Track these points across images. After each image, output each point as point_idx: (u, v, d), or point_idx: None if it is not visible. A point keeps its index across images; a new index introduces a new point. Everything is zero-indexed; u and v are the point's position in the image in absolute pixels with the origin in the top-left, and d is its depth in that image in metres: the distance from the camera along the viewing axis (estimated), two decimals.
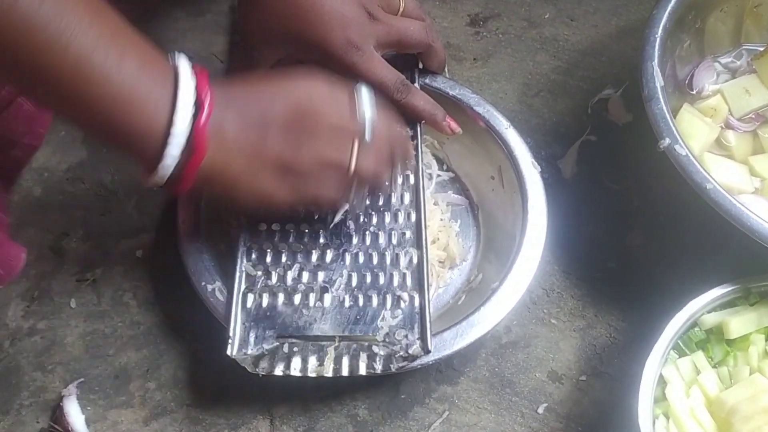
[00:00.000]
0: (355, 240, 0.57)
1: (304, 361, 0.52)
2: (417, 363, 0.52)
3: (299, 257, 0.57)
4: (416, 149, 0.60)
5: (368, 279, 0.55)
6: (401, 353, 0.52)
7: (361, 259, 0.56)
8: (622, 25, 0.79)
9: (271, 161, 0.50)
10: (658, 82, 0.59)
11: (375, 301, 0.54)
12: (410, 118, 0.60)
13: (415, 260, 0.56)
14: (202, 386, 0.59)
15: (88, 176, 0.68)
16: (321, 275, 0.56)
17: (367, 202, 0.57)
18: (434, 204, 0.64)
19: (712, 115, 0.67)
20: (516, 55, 0.77)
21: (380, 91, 0.58)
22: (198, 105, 0.47)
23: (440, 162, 0.68)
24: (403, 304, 0.54)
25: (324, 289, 0.55)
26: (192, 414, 0.58)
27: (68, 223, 0.66)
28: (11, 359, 0.60)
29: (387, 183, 0.56)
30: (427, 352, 0.52)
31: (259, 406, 0.58)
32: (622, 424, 0.55)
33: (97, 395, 0.58)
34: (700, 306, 0.54)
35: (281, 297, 0.55)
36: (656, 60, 0.60)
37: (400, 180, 0.59)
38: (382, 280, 0.55)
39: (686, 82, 0.69)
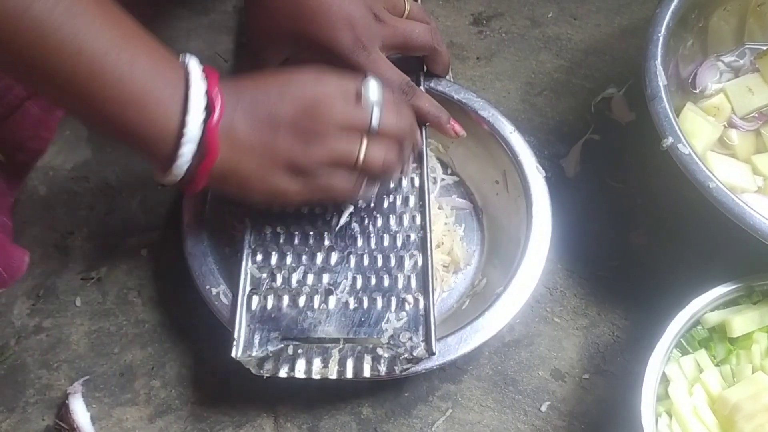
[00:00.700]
0: (359, 242, 0.57)
1: (309, 363, 0.52)
2: (421, 367, 0.52)
3: (304, 259, 0.57)
4: (421, 152, 0.60)
5: (373, 281, 0.56)
6: (405, 356, 0.52)
7: (366, 261, 0.57)
8: (625, 24, 0.79)
9: (281, 159, 0.50)
10: (661, 81, 0.59)
11: (379, 303, 0.54)
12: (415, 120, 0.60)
13: (419, 263, 0.56)
14: (207, 384, 0.59)
15: (93, 175, 0.69)
16: (326, 277, 0.56)
17: (374, 193, 0.57)
18: (438, 208, 0.64)
19: (715, 114, 0.67)
20: (519, 54, 0.77)
21: None
22: (209, 106, 0.48)
23: (445, 166, 0.68)
24: (407, 307, 0.54)
25: (329, 291, 0.55)
26: (197, 412, 0.58)
27: (73, 222, 0.66)
28: (17, 357, 0.60)
29: (398, 172, 0.56)
30: (431, 354, 0.52)
31: (263, 404, 0.58)
32: (625, 422, 0.55)
33: (102, 393, 0.59)
34: (703, 304, 0.54)
35: (286, 299, 0.55)
36: (659, 59, 0.60)
37: (410, 168, 0.60)
38: (386, 282, 0.55)
39: (689, 81, 0.69)
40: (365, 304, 0.54)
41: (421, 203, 0.58)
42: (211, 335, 0.59)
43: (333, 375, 0.52)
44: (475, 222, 0.66)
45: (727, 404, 0.51)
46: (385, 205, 0.58)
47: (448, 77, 0.65)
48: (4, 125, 0.62)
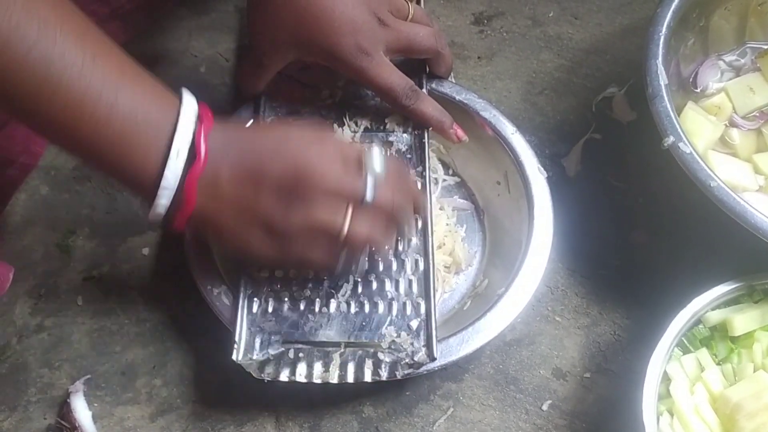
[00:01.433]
0: None
1: (310, 367, 0.52)
2: (423, 368, 0.52)
3: None
4: (423, 156, 0.60)
5: (374, 285, 0.55)
6: (407, 360, 0.52)
7: (367, 265, 0.56)
8: (626, 23, 0.79)
9: (260, 219, 0.49)
10: (663, 80, 0.59)
11: (381, 307, 0.54)
12: (418, 124, 0.60)
13: (421, 267, 0.55)
14: (209, 383, 0.59)
15: (95, 175, 0.68)
16: (326, 281, 0.55)
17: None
18: (440, 209, 0.64)
19: (717, 113, 0.67)
20: (520, 53, 0.77)
21: (389, 96, 0.58)
22: (193, 153, 0.47)
23: (446, 166, 0.68)
24: (408, 311, 0.54)
25: (330, 295, 0.55)
26: (198, 410, 0.58)
27: (75, 222, 0.66)
28: (19, 356, 0.60)
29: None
30: (432, 359, 0.52)
31: (264, 403, 0.58)
32: (626, 421, 0.55)
33: (103, 392, 0.59)
34: (704, 303, 0.54)
35: (287, 302, 0.55)
36: (660, 58, 0.60)
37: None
38: (387, 286, 0.55)
39: (690, 80, 0.69)
40: (366, 308, 0.54)
41: (422, 207, 0.58)
42: (212, 334, 0.59)
43: (334, 379, 0.52)
44: (477, 223, 0.66)
45: (728, 403, 0.51)
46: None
47: (449, 78, 0.65)
48: None
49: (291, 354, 0.53)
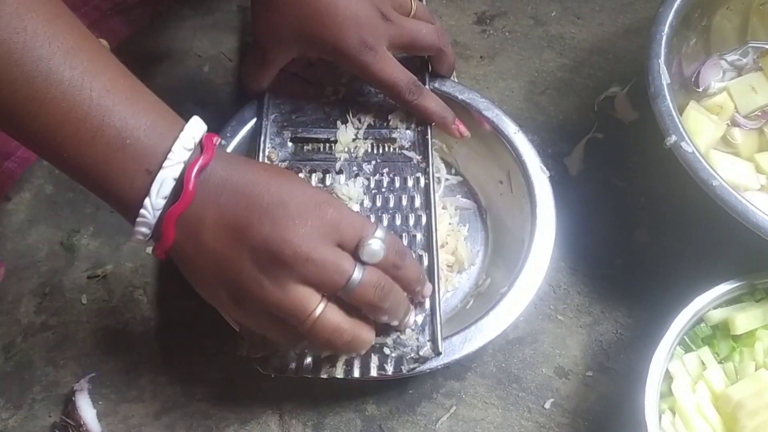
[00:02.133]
0: None
1: (316, 363, 0.52)
2: (426, 367, 0.53)
3: None
4: (426, 153, 0.60)
5: None
6: (412, 355, 0.52)
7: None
8: (629, 23, 0.79)
9: (231, 281, 0.46)
10: (665, 79, 0.59)
11: None
12: (421, 119, 0.61)
13: (425, 263, 0.56)
14: (213, 381, 0.59)
15: None
16: None
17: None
18: (442, 208, 0.64)
19: (719, 113, 0.67)
20: (522, 53, 0.77)
21: (392, 91, 0.58)
22: (180, 191, 0.44)
23: (449, 166, 0.68)
24: (412, 322, 0.54)
25: None
26: (202, 408, 0.58)
27: (79, 220, 0.67)
28: (24, 354, 0.61)
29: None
30: (437, 354, 0.52)
31: (268, 401, 0.58)
32: (628, 420, 0.55)
33: (108, 390, 0.59)
34: (706, 302, 0.54)
35: None
36: (662, 58, 0.60)
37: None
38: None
39: (692, 79, 0.69)
40: None
41: (426, 203, 0.58)
42: (216, 333, 0.59)
43: (340, 374, 0.52)
44: (479, 222, 0.66)
45: (730, 401, 0.52)
46: (392, 204, 0.58)
47: (452, 77, 0.65)
48: None
49: (298, 351, 0.53)
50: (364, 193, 0.59)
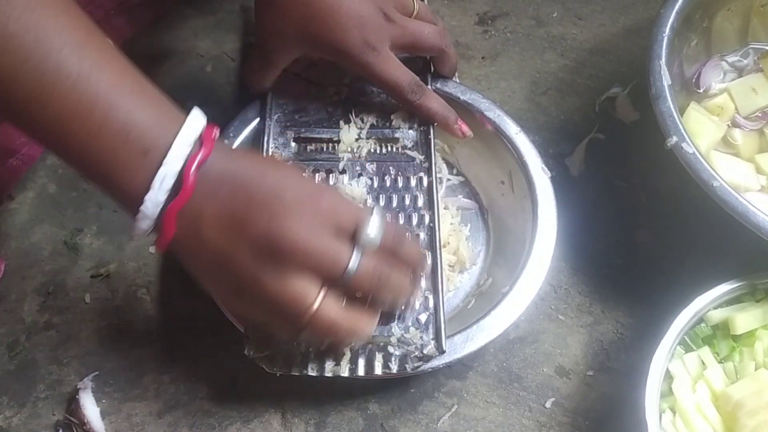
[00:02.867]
0: None
1: (321, 361, 0.52)
2: (428, 366, 0.53)
3: None
4: (429, 153, 0.60)
5: None
6: (416, 354, 0.52)
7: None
8: (630, 24, 0.79)
9: (231, 274, 0.46)
10: (666, 80, 0.59)
11: None
12: (423, 119, 0.61)
13: (429, 262, 0.56)
14: (215, 379, 0.60)
15: None
16: None
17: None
18: (444, 208, 0.65)
19: (719, 114, 0.67)
20: (524, 53, 0.77)
21: (395, 91, 0.59)
22: (180, 185, 0.44)
23: (450, 166, 0.68)
24: (417, 305, 0.54)
25: None
26: (205, 407, 0.59)
27: (82, 220, 0.67)
28: (27, 353, 0.61)
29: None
30: (441, 352, 0.52)
31: (271, 400, 0.59)
32: (629, 419, 0.56)
33: (111, 388, 0.59)
34: (707, 302, 0.55)
35: None
36: (664, 59, 0.60)
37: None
38: None
39: (693, 80, 0.69)
40: None
41: (429, 202, 0.58)
42: (219, 332, 0.59)
43: (345, 373, 0.52)
44: (481, 222, 0.67)
45: (730, 401, 0.52)
46: (395, 203, 0.59)
47: (454, 78, 0.66)
48: None
49: (302, 348, 0.53)
50: (368, 193, 0.59)
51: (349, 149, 0.61)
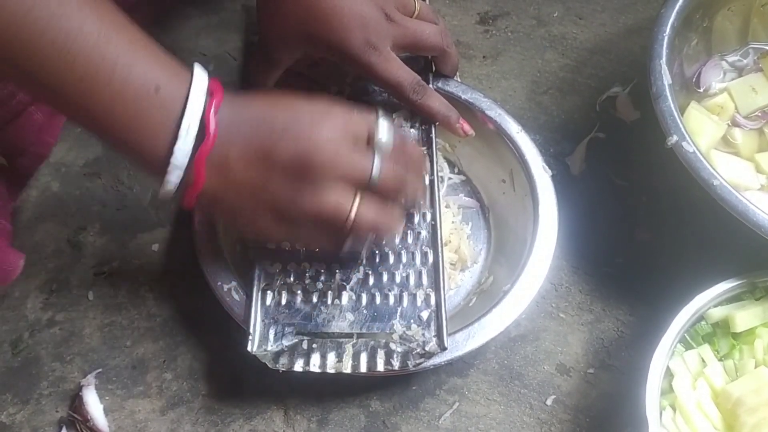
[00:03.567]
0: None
1: (323, 358, 0.53)
2: (430, 363, 0.53)
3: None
4: (431, 151, 0.60)
5: (384, 277, 0.56)
6: (418, 350, 0.53)
7: (378, 257, 0.57)
8: (630, 23, 0.79)
9: (268, 203, 0.49)
10: (666, 80, 0.59)
11: (391, 299, 0.55)
12: (425, 118, 0.61)
13: (430, 259, 0.56)
14: (218, 377, 0.60)
15: (105, 171, 0.69)
16: (338, 274, 0.56)
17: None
18: (446, 206, 0.65)
19: (719, 113, 0.68)
20: (525, 53, 0.78)
21: (397, 90, 0.59)
22: (203, 133, 0.46)
23: (452, 165, 0.69)
24: (419, 302, 0.55)
25: (341, 287, 0.56)
26: (208, 404, 0.59)
27: (85, 218, 0.67)
28: (31, 350, 0.61)
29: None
30: (443, 349, 0.53)
31: (273, 397, 0.59)
32: (629, 416, 0.56)
33: (115, 385, 0.60)
34: (707, 300, 0.55)
35: (300, 295, 0.56)
36: (664, 58, 0.60)
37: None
38: (398, 278, 0.56)
39: (693, 80, 0.70)
40: (377, 300, 0.55)
41: (431, 199, 0.59)
42: (222, 329, 0.60)
43: (347, 369, 0.52)
44: (482, 220, 0.67)
45: (730, 398, 0.52)
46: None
47: (455, 77, 0.66)
48: (6, 130, 0.62)
49: (305, 345, 0.53)
50: None
51: None
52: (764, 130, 0.67)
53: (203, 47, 0.76)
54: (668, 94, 0.59)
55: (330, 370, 0.52)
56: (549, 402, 0.59)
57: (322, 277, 0.56)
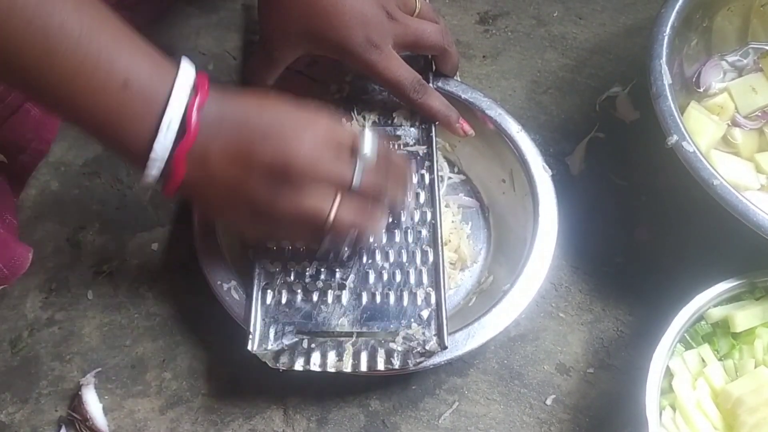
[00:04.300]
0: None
1: (324, 357, 0.53)
2: (430, 362, 0.53)
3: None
4: (431, 150, 0.60)
5: (385, 276, 0.56)
6: (418, 349, 0.53)
7: (378, 256, 0.57)
8: (630, 23, 0.79)
9: (247, 201, 0.49)
10: (666, 80, 0.59)
11: (392, 298, 0.55)
12: (425, 117, 0.61)
13: (431, 258, 0.56)
14: (217, 376, 0.60)
15: (104, 171, 0.69)
16: (338, 272, 0.56)
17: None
18: (446, 206, 0.65)
19: (719, 113, 0.68)
20: (525, 52, 0.78)
21: (397, 89, 0.59)
22: (184, 128, 0.47)
23: (451, 164, 0.69)
24: (419, 301, 0.55)
25: (341, 286, 0.56)
26: (207, 403, 0.59)
27: (85, 217, 0.67)
28: (30, 349, 0.61)
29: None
30: (443, 348, 0.53)
31: (273, 396, 0.59)
32: (629, 416, 0.56)
33: (114, 384, 0.60)
34: (707, 300, 0.55)
35: (300, 294, 0.56)
36: (664, 58, 0.60)
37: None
38: (398, 277, 0.56)
39: (693, 80, 0.70)
40: (378, 299, 0.55)
41: (431, 199, 0.59)
42: (221, 328, 0.59)
43: (348, 368, 0.52)
44: (482, 220, 0.67)
45: (729, 398, 0.52)
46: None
47: (455, 77, 0.66)
48: (4, 127, 0.62)
49: (305, 344, 0.53)
50: None
51: None
52: (764, 130, 0.67)
53: (203, 46, 0.76)
54: (668, 94, 0.59)
55: (330, 369, 0.52)
56: (549, 402, 0.59)
57: (323, 276, 0.56)
